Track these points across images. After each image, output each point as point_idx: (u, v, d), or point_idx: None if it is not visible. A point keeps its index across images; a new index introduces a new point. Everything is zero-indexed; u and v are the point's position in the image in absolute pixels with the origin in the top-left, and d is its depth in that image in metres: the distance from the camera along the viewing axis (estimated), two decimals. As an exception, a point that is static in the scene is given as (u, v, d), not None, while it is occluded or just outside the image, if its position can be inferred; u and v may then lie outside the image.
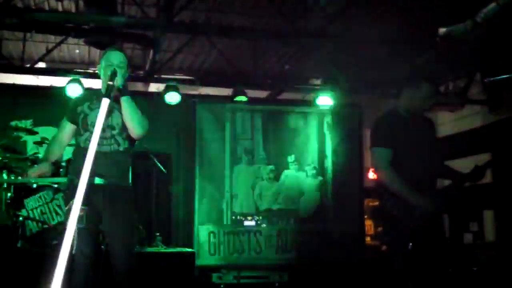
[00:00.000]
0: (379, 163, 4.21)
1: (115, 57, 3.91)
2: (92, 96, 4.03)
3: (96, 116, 3.48)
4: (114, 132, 3.87)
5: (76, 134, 3.95)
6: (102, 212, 3.77)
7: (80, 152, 3.81)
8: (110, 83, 3.50)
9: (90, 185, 3.49)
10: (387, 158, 4.15)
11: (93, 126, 3.49)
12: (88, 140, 3.78)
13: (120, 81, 3.70)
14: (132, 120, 3.78)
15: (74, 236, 3.48)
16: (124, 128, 3.85)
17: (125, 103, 3.77)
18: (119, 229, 3.83)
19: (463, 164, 4.55)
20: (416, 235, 4.03)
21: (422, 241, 4.04)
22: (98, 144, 3.58)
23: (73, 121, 3.98)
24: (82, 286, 3.66)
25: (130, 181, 3.99)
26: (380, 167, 4.20)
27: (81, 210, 3.42)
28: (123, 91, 3.77)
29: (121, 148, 3.88)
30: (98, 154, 3.54)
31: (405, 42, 7.62)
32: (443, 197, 4.10)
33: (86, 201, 3.46)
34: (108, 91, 3.37)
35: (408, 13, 7.29)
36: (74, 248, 3.58)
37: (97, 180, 3.65)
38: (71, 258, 3.49)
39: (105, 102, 3.27)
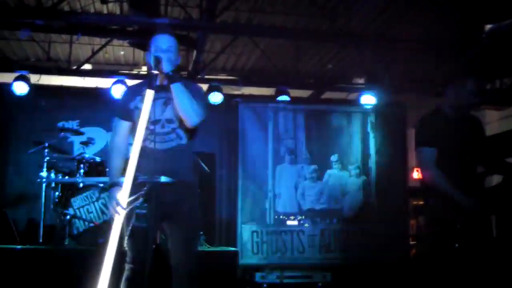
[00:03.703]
0: (424, 163, 4.16)
1: (163, 41, 3.61)
2: (143, 88, 3.54)
3: (153, 111, 3.38)
4: (174, 125, 3.58)
5: (134, 132, 3.52)
6: (167, 210, 3.52)
7: (141, 151, 3.39)
8: (155, 72, 3.34)
9: (156, 183, 3.46)
10: (432, 157, 4.10)
11: (151, 122, 3.44)
12: (147, 138, 3.50)
13: (167, 66, 3.41)
14: (185, 108, 3.46)
15: (128, 234, 3.43)
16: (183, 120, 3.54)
17: (175, 90, 3.44)
18: (183, 228, 3.60)
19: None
20: (462, 235, 3.98)
21: (469, 242, 3.99)
22: (160, 142, 3.54)
23: (126, 118, 3.65)
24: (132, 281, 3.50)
25: (193, 176, 3.75)
26: (425, 167, 4.16)
27: (143, 208, 3.38)
28: (171, 77, 3.44)
29: (183, 142, 3.61)
30: (161, 152, 3.52)
31: (449, 40, 7.50)
32: (490, 196, 4.02)
33: (151, 200, 3.40)
34: (152, 81, 3.25)
35: (452, 10, 7.17)
36: (127, 246, 3.49)
37: (163, 178, 3.51)
38: (122, 257, 3.45)
39: (149, 94, 3.18)
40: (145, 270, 3.52)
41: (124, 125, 3.67)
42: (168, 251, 3.66)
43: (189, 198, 3.65)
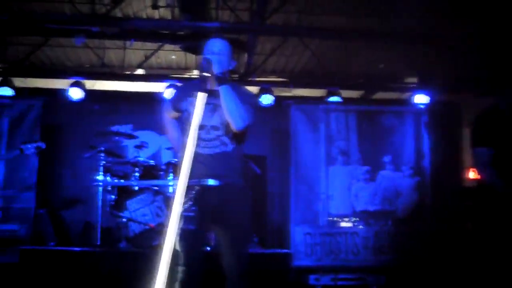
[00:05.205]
0: (480, 163, 4.09)
1: (215, 45, 3.66)
2: (194, 91, 3.34)
3: (200, 116, 3.31)
4: (218, 132, 3.62)
5: (183, 133, 3.50)
6: (216, 213, 3.57)
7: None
8: (206, 74, 3.32)
9: (204, 186, 3.50)
10: (488, 157, 4.03)
11: (198, 128, 3.35)
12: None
13: (217, 69, 3.43)
14: (231, 111, 3.48)
15: (178, 236, 3.43)
16: (229, 127, 3.56)
17: (222, 92, 3.47)
18: (232, 230, 3.64)
19: None
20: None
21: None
22: (204, 147, 3.58)
23: (175, 109, 3.79)
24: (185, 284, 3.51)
25: (242, 179, 3.73)
26: (481, 167, 4.09)
27: (191, 211, 3.42)
28: (220, 79, 3.48)
29: (228, 149, 3.63)
30: (206, 157, 3.56)
31: (503, 37, 7.32)
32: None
33: (199, 203, 3.44)
34: (203, 84, 3.19)
35: (503, 8, 6.99)
36: (179, 249, 3.50)
37: (211, 181, 3.53)
38: (174, 258, 3.48)
39: (201, 97, 3.06)
40: (197, 271, 3.55)
41: (172, 112, 3.83)
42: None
43: (238, 200, 3.68)
